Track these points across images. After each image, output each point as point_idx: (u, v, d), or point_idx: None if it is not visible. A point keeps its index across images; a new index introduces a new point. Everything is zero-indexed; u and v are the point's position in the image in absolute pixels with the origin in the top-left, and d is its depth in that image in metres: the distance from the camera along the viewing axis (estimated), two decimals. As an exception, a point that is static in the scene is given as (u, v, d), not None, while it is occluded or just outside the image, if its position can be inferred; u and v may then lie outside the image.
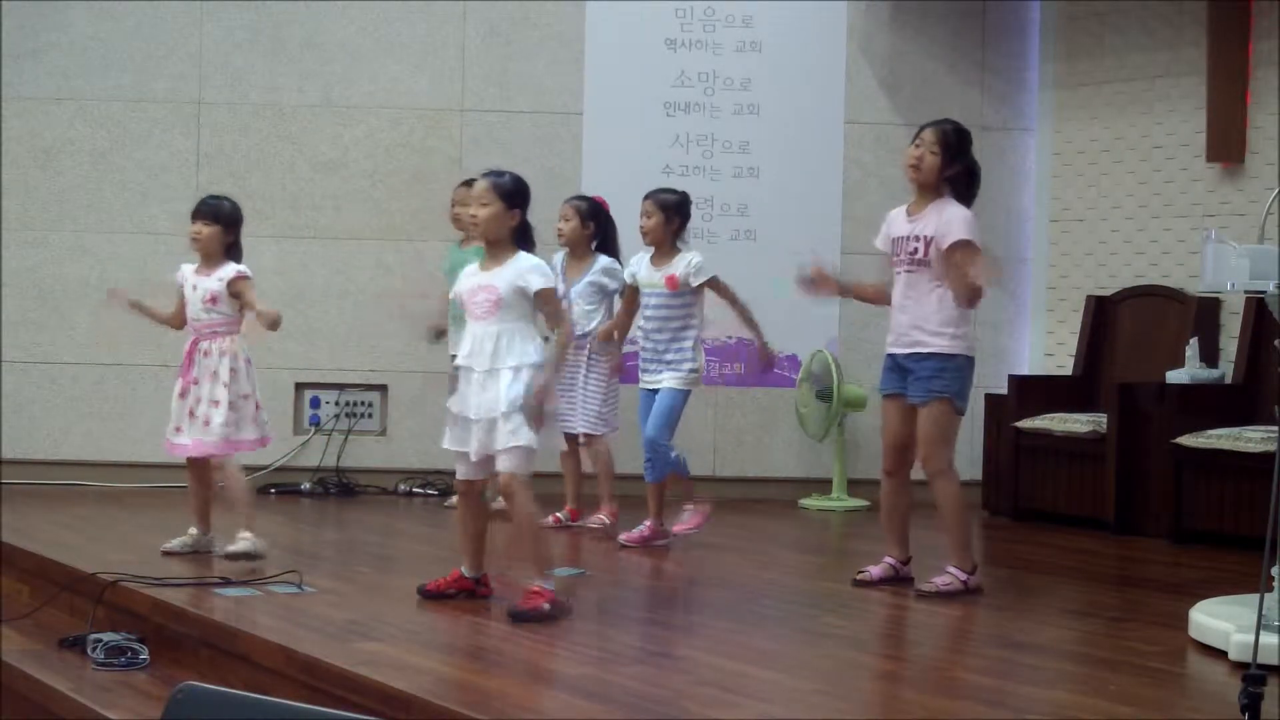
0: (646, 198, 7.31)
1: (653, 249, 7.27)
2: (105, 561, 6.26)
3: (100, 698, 5.13)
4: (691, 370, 7.19)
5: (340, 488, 9.09)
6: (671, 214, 7.24)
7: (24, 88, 9.19)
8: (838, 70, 9.38)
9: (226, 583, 6.00)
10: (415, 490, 9.10)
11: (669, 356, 7.17)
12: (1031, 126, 9.43)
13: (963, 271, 6.00)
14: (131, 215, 9.24)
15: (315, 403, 9.30)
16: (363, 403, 9.33)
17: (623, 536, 7.30)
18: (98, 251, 9.21)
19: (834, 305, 9.29)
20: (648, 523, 7.29)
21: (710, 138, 9.37)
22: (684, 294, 7.16)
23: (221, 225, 6.59)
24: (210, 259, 6.59)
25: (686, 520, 7.18)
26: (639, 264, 7.33)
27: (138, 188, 9.25)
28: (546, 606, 5.42)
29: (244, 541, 6.41)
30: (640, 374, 7.31)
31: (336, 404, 9.30)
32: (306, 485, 9.08)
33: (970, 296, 6.06)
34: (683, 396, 7.22)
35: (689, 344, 7.18)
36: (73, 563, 6.33)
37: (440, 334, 8.18)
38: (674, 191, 7.37)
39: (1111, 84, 9.04)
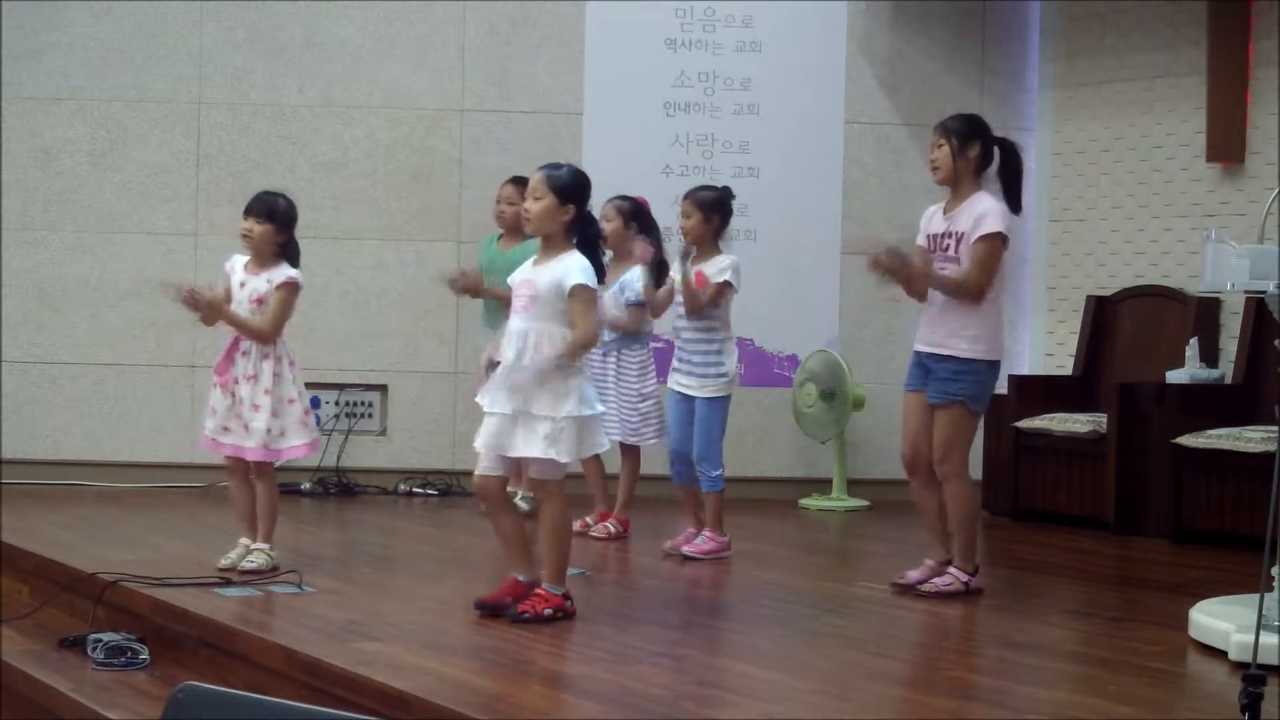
0: (685, 197, 7.10)
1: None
2: (105, 561, 6.25)
3: (100, 698, 5.13)
4: (720, 375, 6.98)
5: (340, 488, 9.09)
6: (710, 212, 6.99)
7: (24, 88, 9.19)
8: (838, 70, 9.38)
9: (226, 583, 6.00)
10: (415, 490, 9.09)
11: (696, 359, 6.99)
12: (1031, 126, 9.42)
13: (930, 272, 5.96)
14: (131, 215, 9.24)
15: (315, 403, 9.23)
16: (363, 403, 9.34)
17: (687, 548, 7.02)
18: (98, 251, 9.21)
19: (834, 304, 9.30)
20: (703, 532, 7.10)
21: (710, 138, 9.38)
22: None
23: (275, 224, 6.28)
24: (262, 257, 6.32)
25: (701, 544, 7.01)
26: (675, 261, 7.11)
27: (138, 188, 9.25)
28: (548, 612, 5.41)
29: (260, 555, 6.28)
30: (670, 373, 7.17)
31: (336, 404, 9.30)
32: (306, 485, 9.08)
33: (956, 291, 5.97)
34: (720, 406, 7.01)
35: (716, 348, 6.98)
36: (73, 563, 6.33)
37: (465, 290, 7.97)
38: (712, 188, 7.14)
39: (1111, 84, 9.04)
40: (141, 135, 9.25)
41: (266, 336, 6.25)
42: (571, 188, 5.44)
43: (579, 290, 5.32)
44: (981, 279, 5.99)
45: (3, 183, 9.17)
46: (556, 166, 5.51)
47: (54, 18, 9.19)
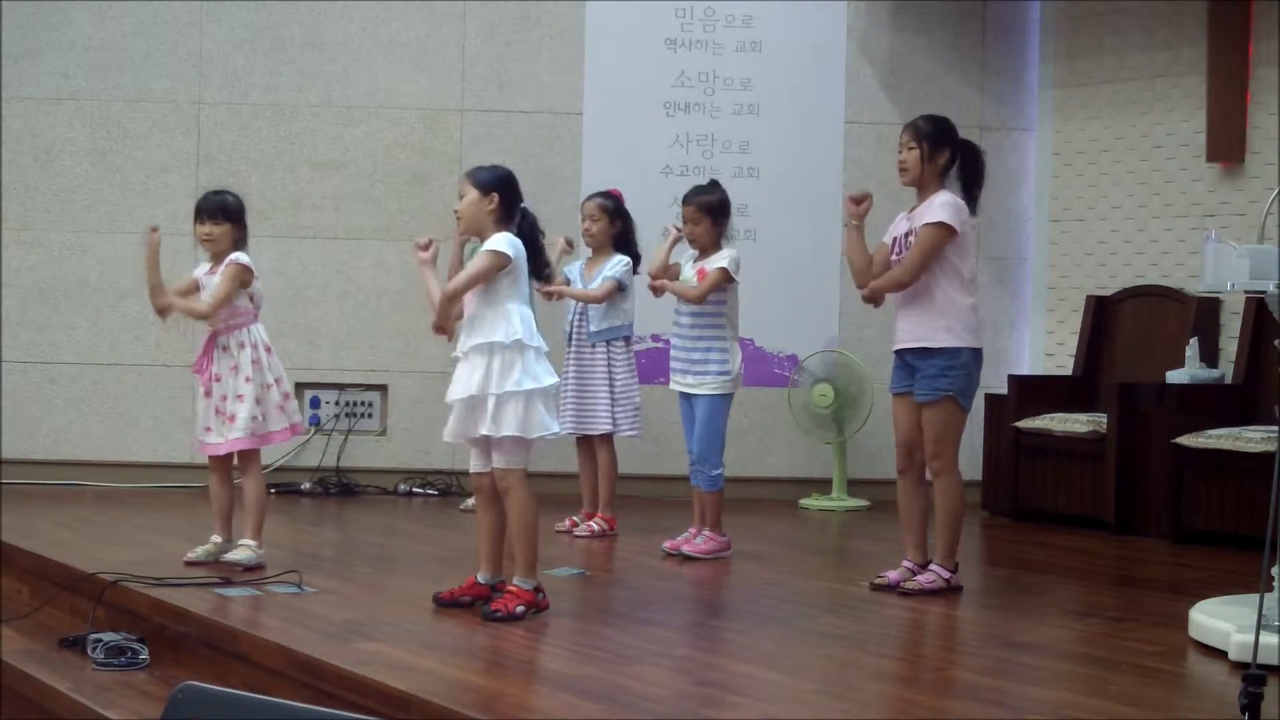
0: (687, 202, 7.09)
1: (697, 250, 7.08)
2: (105, 561, 6.25)
3: (100, 698, 5.13)
4: (722, 374, 6.98)
5: (340, 488, 9.09)
6: (718, 216, 7.04)
7: (24, 88, 9.19)
8: (838, 70, 9.38)
9: (226, 583, 6.00)
10: (415, 490, 9.10)
11: (695, 356, 7.00)
12: (1031, 126, 9.43)
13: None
14: (131, 215, 9.23)
15: (315, 403, 9.30)
16: (363, 403, 9.34)
17: (687, 548, 7.03)
18: (98, 251, 9.21)
19: (834, 304, 9.30)
20: (703, 531, 7.12)
21: (710, 138, 9.38)
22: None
23: (231, 222, 6.41)
24: (221, 257, 6.41)
25: (700, 544, 7.02)
26: (686, 260, 7.14)
27: (138, 188, 9.25)
28: (520, 609, 5.42)
29: (244, 550, 6.32)
30: (671, 373, 7.17)
31: (336, 404, 9.30)
32: (306, 485, 9.08)
33: (893, 285, 6.13)
34: (721, 404, 7.02)
35: (718, 345, 6.98)
36: (73, 563, 6.33)
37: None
38: (712, 190, 7.14)
39: (1111, 84, 9.04)
40: (141, 135, 9.25)
41: (204, 314, 6.35)
42: (491, 181, 5.53)
43: (488, 251, 5.39)
44: (912, 265, 6.07)
45: (3, 183, 9.17)
46: (479, 168, 5.63)
47: (54, 18, 9.19)
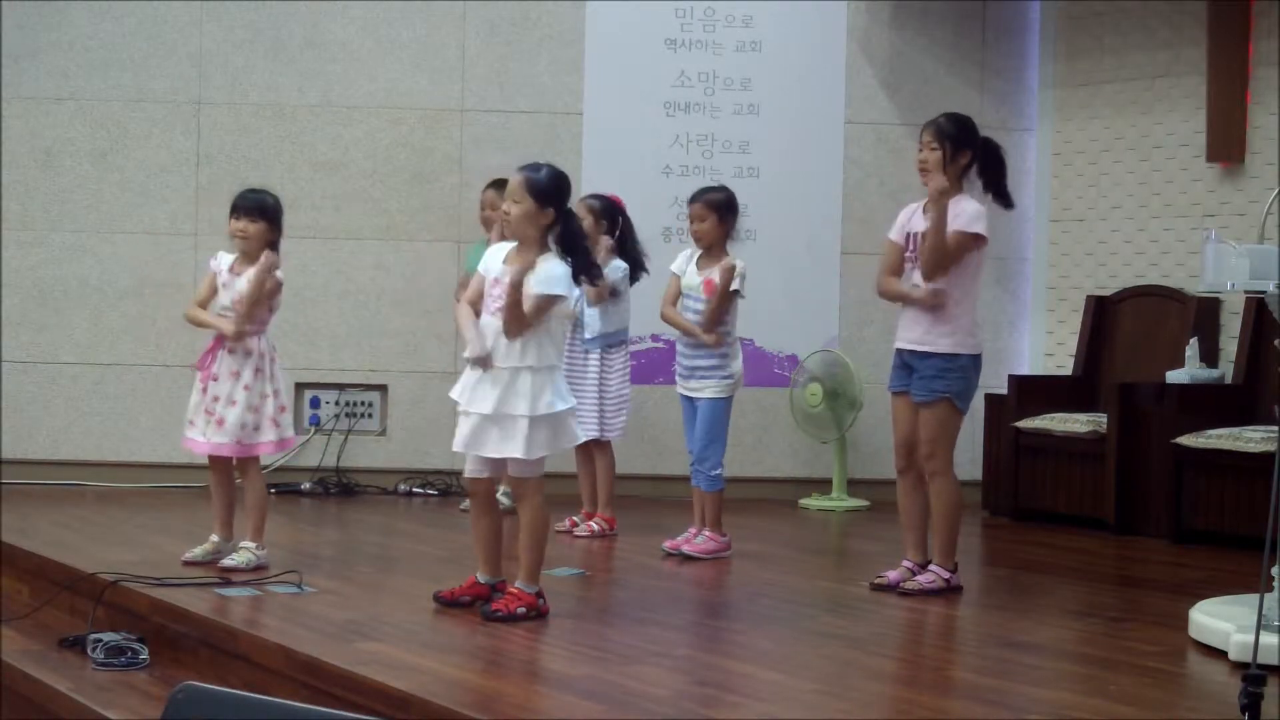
0: (694, 200, 7.09)
1: (702, 249, 7.08)
2: (105, 561, 6.25)
3: (100, 698, 5.13)
4: (726, 377, 7.01)
5: (340, 488, 9.09)
6: (724, 213, 7.02)
7: (24, 88, 9.19)
8: (838, 70, 9.38)
9: (226, 583, 6.00)
10: (415, 490, 9.09)
11: (699, 362, 7.03)
12: (1031, 126, 9.43)
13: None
14: (131, 215, 9.24)
15: (315, 403, 9.30)
16: (363, 403, 9.33)
17: (687, 547, 7.05)
18: (98, 251, 9.21)
19: (834, 304, 9.30)
20: (703, 531, 7.15)
21: (710, 138, 9.37)
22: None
23: (268, 221, 6.39)
24: (251, 257, 6.39)
25: (701, 544, 7.03)
26: (686, 261, 7.15)
27: (138, 188, 9.24)
28: (521, 610, 5.42)
29: (243, 553, 6.31)
30: (676, 378, 7.21)
31: (336, 404, 9.30)
32: (306, 485, 9.08)
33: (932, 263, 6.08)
34: (723, 406, 7.06)
35: (721, 350, 7.00)
36: (73, 563, 6.33)
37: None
38: (720, 189, 7.15)
39: (1111, 84, 9.05)
40: (141, 135, 9.25)
41: (255, 293, 6.32)
42: (551, 191, 5.42)
43: (553, 296, 5.34)
44: (940, 264, 6.06)
45: (3, 183, 9.17)
46: (535, 168, 5.48)
47: (54, 18, 9.19)
